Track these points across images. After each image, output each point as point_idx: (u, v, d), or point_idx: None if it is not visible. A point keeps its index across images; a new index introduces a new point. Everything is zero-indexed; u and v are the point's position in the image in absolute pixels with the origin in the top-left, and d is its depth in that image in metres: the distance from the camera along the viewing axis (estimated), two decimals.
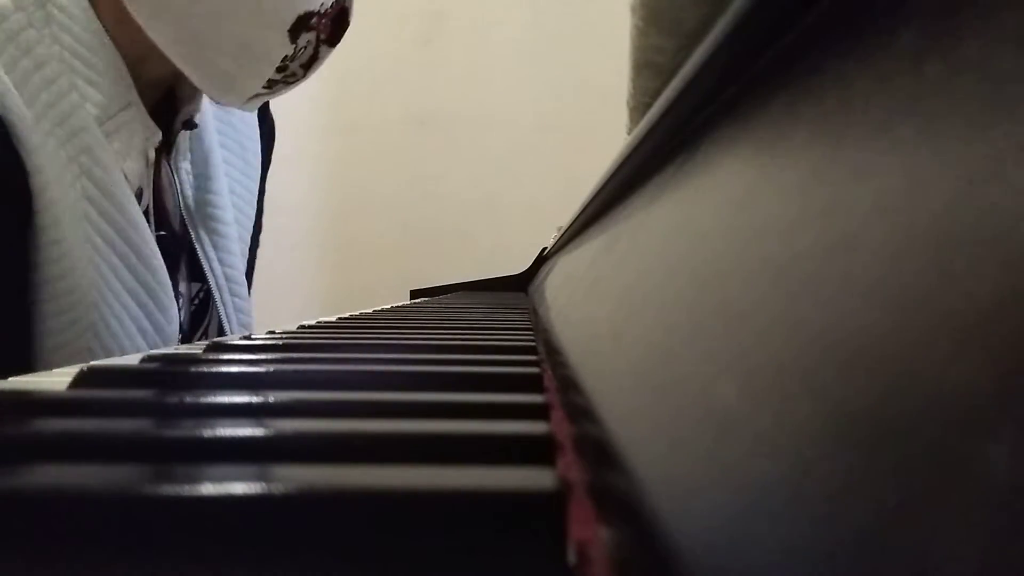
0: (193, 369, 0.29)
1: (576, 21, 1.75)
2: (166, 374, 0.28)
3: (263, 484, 0.14)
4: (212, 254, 0.68)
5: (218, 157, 0.71)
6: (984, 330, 0.07)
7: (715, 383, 0.12)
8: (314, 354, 0.34)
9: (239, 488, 0.14)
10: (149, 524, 0.14)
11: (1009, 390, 0.06)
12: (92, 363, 0.29)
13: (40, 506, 0.14)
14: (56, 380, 0.27)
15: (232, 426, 0.19)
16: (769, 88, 0.16)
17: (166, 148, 0.65)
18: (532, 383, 0.26)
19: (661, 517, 0.11)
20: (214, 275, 0.68)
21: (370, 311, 0.69)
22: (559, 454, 0.17)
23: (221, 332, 0.69)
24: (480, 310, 0.70)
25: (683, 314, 0.16)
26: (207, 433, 0.18)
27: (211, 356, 0.34)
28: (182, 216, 0.67)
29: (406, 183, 1.81)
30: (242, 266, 0.72)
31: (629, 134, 0.33)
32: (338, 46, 0.63)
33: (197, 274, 0.68)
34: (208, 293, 0.68)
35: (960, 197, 0.08)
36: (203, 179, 0.69)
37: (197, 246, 0.67)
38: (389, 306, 0.79)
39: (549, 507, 0.14)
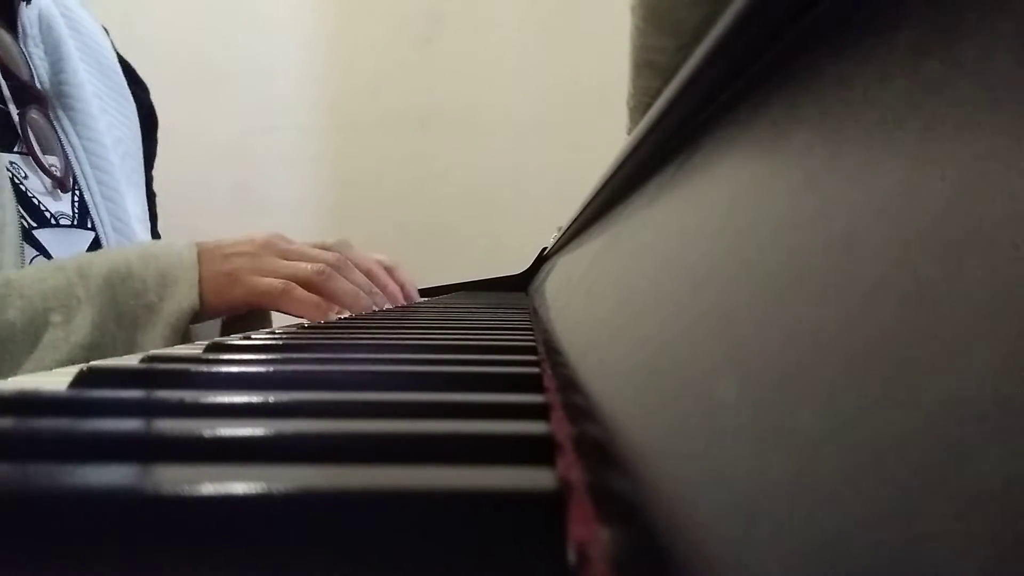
0: (193, 369, 0.29)
1: (576, 21, 1.75)
2: (166, 374, 0.28)
3: (263, 484, 0.14)
4: (69, 127, 0.74)
5: (69, 42, 0.77)
6: (984, 330, 0.07)
7: (715, 383, 0.12)
8: (314, 354, 0.34)
9: (239, 488, 0.14)
10: (149, 524, 0.14)
11: (1009, 390, 0.06)
12: (92, 363, 0.29)
13: (40, 506, 0.14)
14: (56, 380, 0.27)
15: (232, 426, 0.19)
16: (769, 88, 0.16)
17: (8, 23, 0.71)
18: (532, 383, 0.26)
19: (661, 517, 0.11)
20: (72, 146, 0.73)
21: (381, 309, 0.69)
22: (559, 454, 0.17)
23: (83, 204, 0.73)
24: (480, 310, 0.70)
25: (683, 314, 0.16)
26: (207, 433, 0.18)
27: (211, 356, 0.34)
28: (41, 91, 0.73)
29: (406, 183, 1.81)
30: (108, 141, 0.77)
31: (629, 134, 0.33)
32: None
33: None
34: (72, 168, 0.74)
35: (960, 197, 0.08)
36: (55, 60, 0.75)
37: (56, 124, 0.73)
38: (389, 306, 0.79)
39: (549, 507, 0.14)
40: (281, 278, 0.62)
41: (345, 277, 0.65)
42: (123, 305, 0.58)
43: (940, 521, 0.06)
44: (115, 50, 0.85)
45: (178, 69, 1.79)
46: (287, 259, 0.65)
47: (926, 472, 0.06)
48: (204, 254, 0.62)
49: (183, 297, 0.60)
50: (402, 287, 0.77)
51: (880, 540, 0.07)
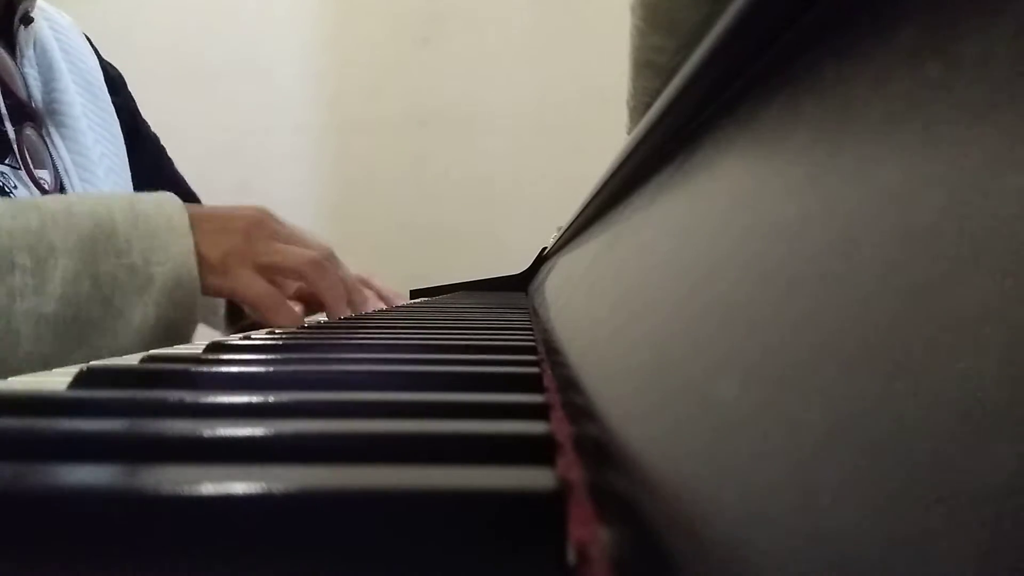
0: (193, 369, 0.29)
1: (576, 21, 1.75)
2: (166, 374, 0.28)
3: (263, 484, 0.14)
4: (59, 143, 0.76)
5: (61, 63, 0.80)
6: (985, 330, 0.07)
7: (715, 382, 0.12)
8: (314, 354, 0.34)
9: (239, 488, 0.14)
10: (149, 524, 0.14)
11: (1010, 389, 0.06)
12: (92, 363, 0.29)
13: (40, 506, 0.14)
14: (56, 380, 0.27)
15: (232, 426, 0.19)
16: (769, 88, 0.16)
17: (8, 46, 0.74)
18: (532, 383, 0.26)
19: (661, 517, 0.11)
20: (62, 160, 0.75)
21: (370, 311, 0.69)
22: (559, 454, 0.17)
23: None
24: (480, 310, 0.70)
25: (683, 313, 0.16)
26: (207, 433, 0.18)
27: (211, 356, 0.34)
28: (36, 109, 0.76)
29: (405, 182, 1.81)
30: (95, 156, 0.80)
31: (629, 134, 0.33)
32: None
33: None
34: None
35: (960, 197, 0.08)
36: (48, 79, 0.78)
37: (47, 140, 0.75)
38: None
39: (549, 507, 0.14)
40: (272, 263, 0.62)
41: (333, 273, 0.65)
42: (103, 263, 0.55)
43: (940, 520, 0.06)
44: (106, 61, 0.88)
45: (178, 69, 1.79)
46: (279, 241, 0.64)
47: (926, 471, 0.06)
48: (195, 223, 0.60)
49: (179, 265, 0.57)
50: (378, 293, 0.78)
51: (880, 539, 0.07)
